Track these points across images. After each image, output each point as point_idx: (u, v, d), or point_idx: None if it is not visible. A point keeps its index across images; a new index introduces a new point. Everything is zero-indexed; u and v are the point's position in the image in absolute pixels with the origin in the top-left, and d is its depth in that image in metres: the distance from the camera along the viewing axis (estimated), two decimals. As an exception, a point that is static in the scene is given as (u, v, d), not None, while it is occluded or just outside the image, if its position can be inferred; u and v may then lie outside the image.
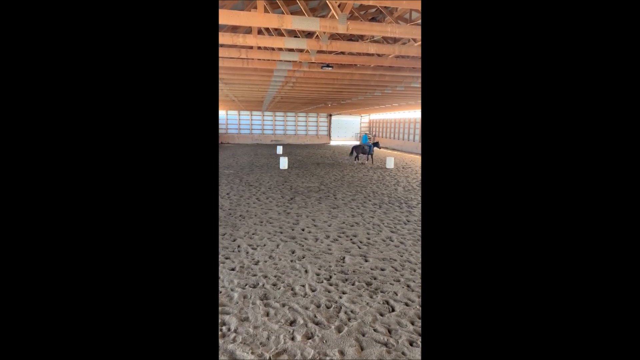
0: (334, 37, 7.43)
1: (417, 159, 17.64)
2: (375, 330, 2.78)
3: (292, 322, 2.88)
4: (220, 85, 11.76)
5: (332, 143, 30.82)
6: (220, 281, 3.59)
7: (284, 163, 13.09)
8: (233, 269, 3.91)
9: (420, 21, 6.31)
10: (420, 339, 2.65)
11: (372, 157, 16.13)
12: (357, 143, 17.33)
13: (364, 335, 2.71)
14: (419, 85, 10.27)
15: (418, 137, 22.05)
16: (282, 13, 5.74)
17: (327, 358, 2.43)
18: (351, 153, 15.73)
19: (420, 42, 6.55)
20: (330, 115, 31.14)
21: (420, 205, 7.35)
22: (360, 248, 4.71)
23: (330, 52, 7.49)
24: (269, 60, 7.63)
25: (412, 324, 2.89)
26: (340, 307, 3.13)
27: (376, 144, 15.93)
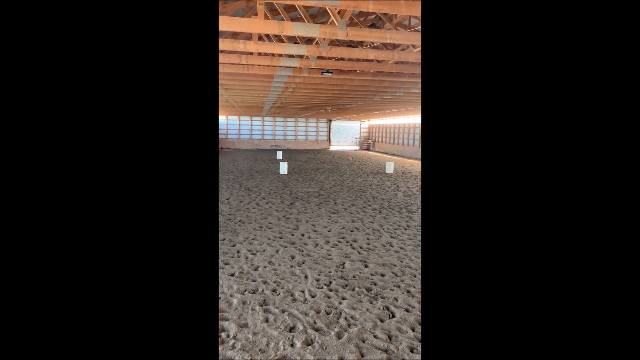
0: (334, 43, 7.49)
1: (417, 164, 17.66)
2: (375, 336, 2.76)
3: (292, 328, 2.86)
4: (221, 91, 11.81)
5: (332, 148, 30.87)
6: (219, 287, 3.58)
7: (283, 168, 13.10)
8: (232, 275, 3.90)
9: (419, 27, 6.36)
10: (420, 346, 2.63)
11: None
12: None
13: (364, 342, 2.69)
14: (419, 91, 10.33)
15: (417, 143, 22.10)
16: (282, 19, 5.79)
17: (327, 365, 2.41)
18: None
19: (419, 48, 6.60)
20: (330, 121, 31.24)
21: (420, 211, 7.34)
22: (360, 253, 4.69)
23: (330, 58, 7.54)
24: (269, 66, 7.68)
25: (413, 330, 2.87)
26: (340, 313, 3.11)
27: None
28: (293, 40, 7.32)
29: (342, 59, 7.88)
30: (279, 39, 7.07)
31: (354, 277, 3.90)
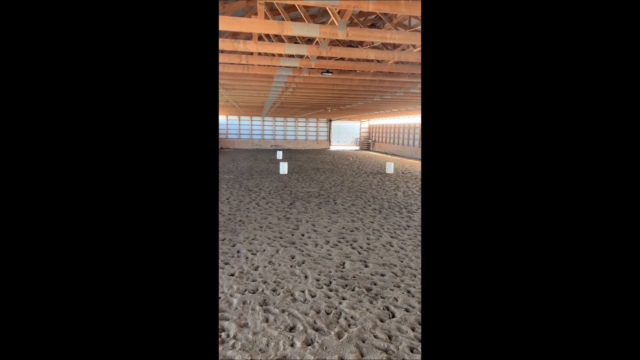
0: (334, 43, 7.48)
1: (417, 164, 17.65)
2: (375, 336, 2.76)
3: (292, 328, 2.86)
4: (221, 91, 11.81)
5: (332, 148, 30.88)
6: (219, 287, 3.58)
7: (283, 168, 13.10)
8: (232, 275, 3.90)
9: (419, 27, 6.36)
10: (420, 346, 2.63)
11: None
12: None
13: (364, 342, 2.69)
14: (419, 91, 10.32)
15: (417, 143, 22.10)
16: (283, 19, 5.79)
17: (327, 365, 2.41)
18: None
19: (419, 48, 6.60)
20: (330, 121, 31.24)
21: (420, 211, 7.34)
22: (360, 253, 4.69)
23: (330, 58, 7.54)
24: (269, 66, 7.68)
25: (413, 330, 2.87)
26: (340, 313, 3.11)
27: None
28: (293, 40, 7.32)
29: (342, 59, 7.88)
30: (279, 38, 7.07)
31: (354, 277, 3.91)
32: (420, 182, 11.28)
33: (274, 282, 3.73)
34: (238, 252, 4.64)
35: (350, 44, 7.92)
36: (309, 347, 2.61)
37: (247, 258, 4.42)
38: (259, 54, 7.24)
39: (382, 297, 3.42)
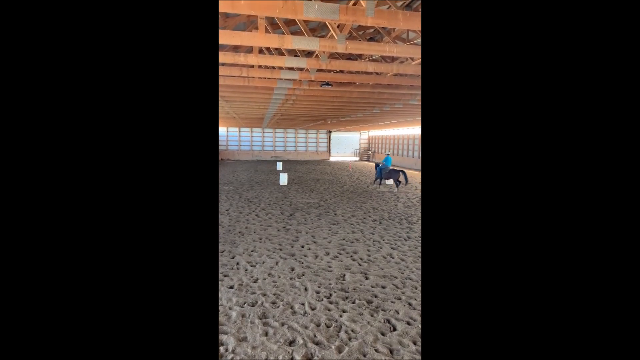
0: (333, 56, 7.59)
1: (417, 175, 17.67)
2: (376, 350, 2.72)
3: (292, 342, 2.82)
4: (221, 103, 11.91)
5: (332, 159, 30.97)
6: (218, 299, 3.53)
7: (283, 179, 13.11)
8: (232, 287, 3.86)
9: (417, 40, 6.47)
10: (422, 360, 2.59)
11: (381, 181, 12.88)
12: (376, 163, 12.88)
13: (365, 356, 2.64)
14: (417, 103, 10.42)
15: (417, 154, 22.18)
16: (283, 33, 5.89)
17: (328, 380, 2.36)
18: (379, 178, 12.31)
19: (417, 61, 6.69)
20: (330, 132, 31.43)
21: (420, 222, 7.31)
22: (360, 265, 4.65)
23: (329, 71, 7.64)
24: (269, 78, 7.77)
25: (415, 343, 2.82)
26: (341, 326, 3.06)
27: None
28: (293, 53, 7.43)
29: (341, 71, 7.98)
30: (279, 52, 7.18)
31: (354, 289, 3.86)
32: (420, 193, 11.27)
33: (274, 294, 3.69)
34: (237, 264, 4.60)
35: (350, 57, 8.03)
36: (309, 361, 2.56)
37: (246, 270, 4.38)
38: (260, 66, 7.34)
39: (383, 310, 3.38)
